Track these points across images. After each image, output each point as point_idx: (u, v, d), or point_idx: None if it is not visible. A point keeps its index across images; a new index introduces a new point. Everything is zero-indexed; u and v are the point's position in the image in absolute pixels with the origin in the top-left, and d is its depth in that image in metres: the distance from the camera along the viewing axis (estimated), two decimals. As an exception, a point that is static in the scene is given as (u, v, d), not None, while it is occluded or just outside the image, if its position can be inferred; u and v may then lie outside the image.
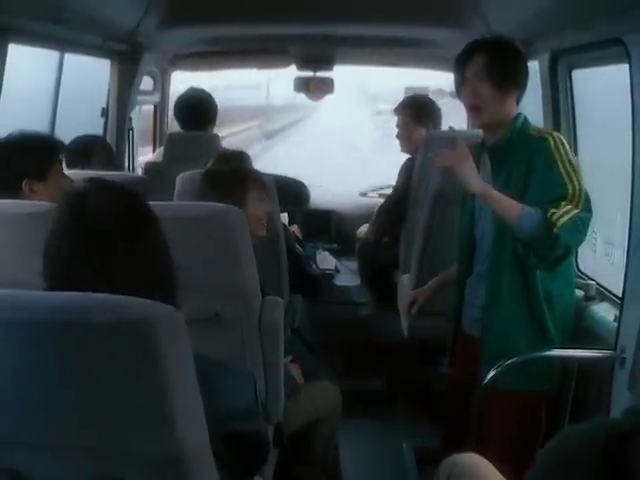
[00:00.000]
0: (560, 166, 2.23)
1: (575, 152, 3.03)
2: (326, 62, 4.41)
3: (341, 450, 3.09)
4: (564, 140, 2.30)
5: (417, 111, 3.94)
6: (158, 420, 1.13)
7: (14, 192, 2.20)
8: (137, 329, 1.12)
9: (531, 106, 3.25)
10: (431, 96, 4.38)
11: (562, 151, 2.26)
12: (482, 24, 3.13)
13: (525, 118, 2.41)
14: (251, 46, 4.37)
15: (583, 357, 2.30)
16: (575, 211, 2.20)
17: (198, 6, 3.18)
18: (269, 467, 2.38)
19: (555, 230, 2.17)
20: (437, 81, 5.34)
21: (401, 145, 4.03)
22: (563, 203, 2.20)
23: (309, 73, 4.46)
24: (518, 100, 2.42)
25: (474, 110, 2.38)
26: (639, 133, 2.13)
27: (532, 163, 2.27)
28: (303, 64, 4.45)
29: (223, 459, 1.29)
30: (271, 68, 5.87)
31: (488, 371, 2.28)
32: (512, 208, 2.23)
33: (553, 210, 2.18)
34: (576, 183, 2.22)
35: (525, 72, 2.42)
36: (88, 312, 1.13)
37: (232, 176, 2.58)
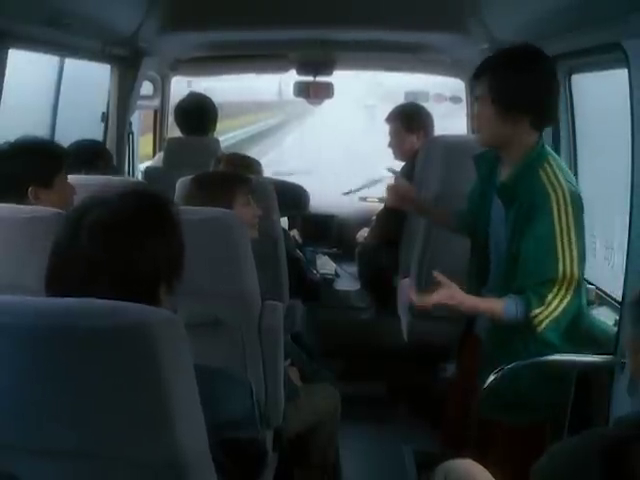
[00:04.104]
0: (557, 238, 2.15)
1: (574, 156, 3.04)
2: (326, 67, 4.43)
3: (341, 454, 3.09)
4: (569, 198, 2.16)
5: (407, 119, 3.99)
6: (157, 425, 1.13)
7: (19, 198, 2.21)
8: (136, 334, 1.12)
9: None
10: (431, 101, 4.39)
11: (563, 216, 2.15)
12: (482, 29, 3.14)
13: (540, 150, 2.27)
14: (251, 51, 4.38)
15: (583, 362, 2.30)
16: (561, 307, 2.18)
17: (198, 11, 3.18)
18: (269, 471, 2.38)
19: (538, 329, 2.20)
20: (439, 86, 5.36)
21: (394, 153, 4.07)
22: (550, 297, 2.17)
23: (309, 78, 4.47)
24: (539, 125, 2.27)
25: (477, 131, 2.37)
26: (638, 137, 2.13)
27: (532, 217, 2.18)
28: (303, 69, 4.46)
29: (222, 465, 1.29)
30: (271, 73, 5.88)
31: (486, 375, 2.28)
32: (493, 307, 2.27)
33: (537, 310, 2.18)
34: (568, 263, 2.16)
35: (540, 95, 2.22)
36: (87, 317, 1.13)
37: (220, 181, 2.64)
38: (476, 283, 2.49)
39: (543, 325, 2.19)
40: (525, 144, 2.27)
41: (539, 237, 2.18)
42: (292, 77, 4.54)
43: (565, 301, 2.19)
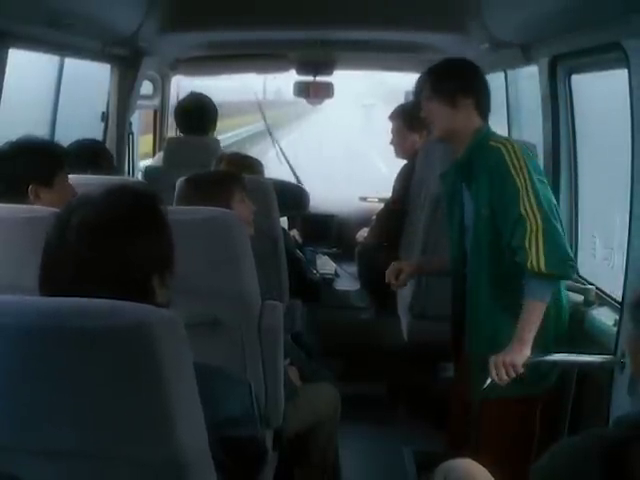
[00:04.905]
0: (515, 178, 2.31)
1: (574, 157, 3.04)
2: (326, 67, 4.43)
3: (341, 454, 3.08)
4: (517, 148, 2.37)
5: (409, 118, 3.98)
6: (157, 424, 1.13)
7: (19, 197, 2.20)
8: (136, 333, 1.12)
9: (531, 111, 3.26)
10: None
11: (516, 161, 2.34)
12: (482, 29, 3.14)
13: (487, 130, 2.50)
14: (251, 51, 4.38)
15: (583, 362, 2.30)
16: (540, 242, 2.25)
17: (198, 11, 3.18)
18: (268, 471, 2.37)
19: (545, 272, 2.25)
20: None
21: (396, 151, 4.07)
22: (526, 243, 2.25)
23: (309, 78, 4.47)
24: (481, 110, 2.51)
25: (432, 126, 2.56)
26: (638, 137, 2.13)
27: (492, 175, 2.37)
28: (303, 69, 4.46)
29: (222, 464, 1.29)
30: (271, 73, 5.88)
31: (477, 378, 2.29)
32: (535, 309, 2.28)
33: (528, 263, 2.25)
34: (527, 199, 2.28)
35: (474, 82, 2.54)
36: (86, 317, 1.13)
37: (217, 181, 2.64)
38: (461, 267, 2.59)
39: (542, 266, 2.24)
40: (473, 128, 2.48)
41: (500, 184, 2.34)
42: (279, 78, 4.52)
43: (540, 236, 2.25)
